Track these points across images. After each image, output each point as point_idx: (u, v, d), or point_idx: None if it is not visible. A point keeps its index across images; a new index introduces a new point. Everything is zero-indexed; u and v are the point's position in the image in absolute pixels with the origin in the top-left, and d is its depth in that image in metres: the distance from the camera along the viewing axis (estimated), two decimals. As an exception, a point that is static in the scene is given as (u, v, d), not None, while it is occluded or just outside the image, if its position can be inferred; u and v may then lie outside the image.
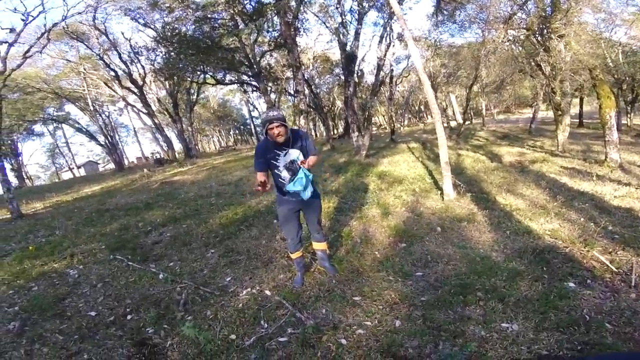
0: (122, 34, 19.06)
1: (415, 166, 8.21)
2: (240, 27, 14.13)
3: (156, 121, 21.46)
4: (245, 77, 18.63)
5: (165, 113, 22.42)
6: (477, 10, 11.08)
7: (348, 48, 11.99)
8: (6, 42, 9.62)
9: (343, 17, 12.63)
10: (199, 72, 18.12)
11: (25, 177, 30.15)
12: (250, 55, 15.34)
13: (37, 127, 28.54)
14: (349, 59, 11.81)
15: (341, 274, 3.09)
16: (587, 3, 7.54)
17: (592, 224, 3.74)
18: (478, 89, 17.44)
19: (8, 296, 3.39)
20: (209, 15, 14.44)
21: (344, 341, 2.23)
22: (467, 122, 19.23)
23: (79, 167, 35.98)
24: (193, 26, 14.86)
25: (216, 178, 9.65)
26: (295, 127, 2.92)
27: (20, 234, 6.05)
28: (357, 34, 11.67)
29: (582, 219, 3.93)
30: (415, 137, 16.67)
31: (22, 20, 9.96)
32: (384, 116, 33.87)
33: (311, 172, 2.72)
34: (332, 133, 23.50)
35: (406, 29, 5.52)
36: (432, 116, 7.30)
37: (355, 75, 12.90)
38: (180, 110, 22.04)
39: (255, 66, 15.43)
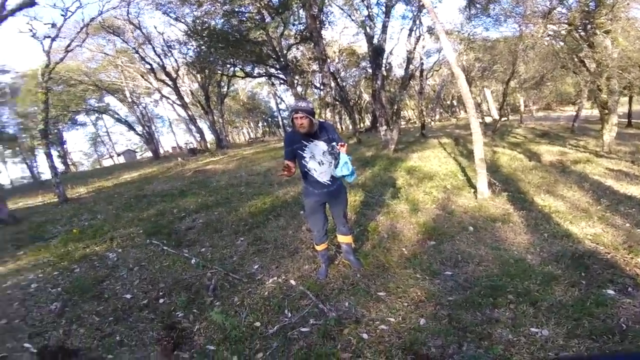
0: (155, 27, 20.00)
1: (447, 162, 7.96)
2: (266, 21, 14.30)
3: (189, 113, 22.26)
4: (272, 70, 18.85)
5: (198, 105, 23.21)
6: (513, 4, 10.48)
7: (375, 41, 11.74)
8: (49, 37, 10.30)
9: (369, 9, 12.39)
10: (228, 65, 18.58)
11: (69, 163, 32.43)
12: (277, 49, 15.47)
13: (80, 117, 30.52)
14: (377, 52, 11.59)
15: (366, 269, 3.08)
16: (634, -2, 6.94)
17: (638, 230, 3.48)
18: (515, 85, 16.52)
19: (52, 277, 3.62)
20: (236, 9, 14.71)
21: (365, 335, 2.23)
22: (503, 119, 18.31)
23: (118, 155, 38.16)
24: (222, 20, 15.22)
25: (246, 168, 9.88)
26: (321, 120, 2.90)
27: (66, 217, 6.51)
28: (384, 27, 11.43)
29: (627, 225, 3.68)
30: (447, 132, 16.11)
31: (62, 15, 10.63)
32: (413, 110, 33.04)
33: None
34: (358, 126, 23.25)
35: (437, 22, 5.33)
36: (465, 111, 7.03)
37: (383, 68, 12.66)
38: (212, 103, 22.71)
39: (282, 59, 15.55)
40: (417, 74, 16.40)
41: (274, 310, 2.59)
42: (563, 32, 8.91)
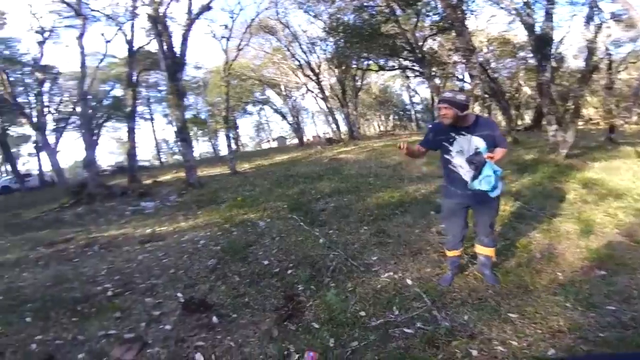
0: (299, 26, 22.38)
1: (646, 178, 5.89)
2: (397, 13, 13.82)
3: (328, 105, 24.20)
4: (407, 63, 18.24)
5: (336, 98, 24.87)
6: None
7: (537, 29, 9.75)
8: (225, 37, 13.05)
9: None
10: (363, 59, 19.02)
11: (239, 144, 40.66)
12: (411, 41, 14.80)
13: (249, 107, 37.70)
14: (541, 41, 9.62)
15: (502, 286, 2.68)
16: None
17: None
18: None
19: (216, 236, 4.45)
20: (364, 4, 14.82)
21: (475, 352, 1.99)
22: None
23: (273, 140, 45.76)
24: (353, 15, 15.59)
25: (375, 160, 10.04)
26: (474, 114, 2.60)
27: (234, 187, 8.21)
28: (547, 14, 9.40)
29: None
30: (649, 138, 11.88)
31: (230, 17, 13.33)
32: (597, 109, 25.74)
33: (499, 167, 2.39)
34: (515, 124, 19.91)
35: (631, 8, 3.94)
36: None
37: (551, 59, 10.41)
38: (347, 96, 23.93)
39: (417, 51, 14.82)
40: (603, 66, 12.76)
41: (382, 304, 2.55)
42: None
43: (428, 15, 14.20)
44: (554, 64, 10.98)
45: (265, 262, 3.49)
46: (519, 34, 17.46)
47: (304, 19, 29.81)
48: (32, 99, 20.35)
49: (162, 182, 11.74)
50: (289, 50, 23.31)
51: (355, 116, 26.73)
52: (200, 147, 42.49)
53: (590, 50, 9.56)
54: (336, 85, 24.49)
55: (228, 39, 13.34)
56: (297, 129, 29.67)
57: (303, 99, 36.21)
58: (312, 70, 22.84)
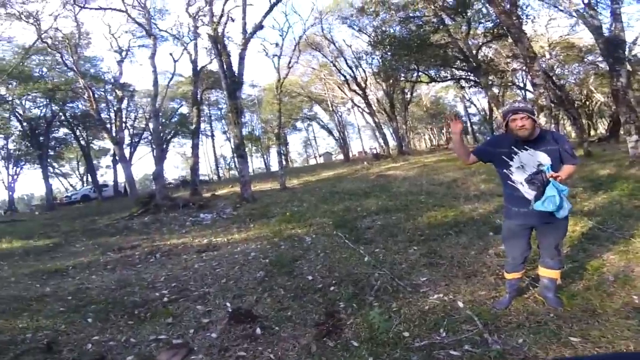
0: (344, 41, 22.77)
1: None
2: (446, 22, 13.37)
3: (375, 119, 24.05)
4: (461, 72, 17.52)
5: (383, 112, 24.66)
6: None
7: (605, 31, 8.81)
8: (276, 55, 13.77)
9: None
10: (412, 72, 18.66)
11: (288, 160, 42.17)
12: (464, 49, 14.23)
13: (298, 124, 39.26)
14: (612, 44, 8.69)
15: (566, 310, 2.42)
16: None
17: None
18: None
19: (265, 249, 4.61)
20: (410, 14, 14.52)
21: None
22: None
23: (320, 156, 46.66)
24: (399, 27, 15.43)
25: (427, 176, 9.70)
26: (539, 127, 2.42)
27: (283, 202, 8.49)
28: (615, 15, 8.50)
29: None
30: None
31: (280, 36, 14.12)
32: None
33: (566, 186, 2.18)
34: (587, 135, 17.85)
35: None
36: None
37: (626, 62, 9.31)
38: (396, 110, 23.61)
39: (471, 60, 14.16)
40: None
41: (428, 326, 2.44)
42: None
43: (480, 23, 13.67)
44: (629, 67, 9.76)
45: (310, 278, 3.54)
46: (584, 37, 16.20)
47: (349, 33, 30.51)
48: (112, 114, 22.82)
49: (219, 195, 12.53)
50: (334, 65, 23.97)
51: (405, 130, 26.20)
52: (254, 163, 45.00)
53: None
54: (383, 98, 24.40)
55: (279, 57, 14.15)
56: (343, 145, 30.01)
57: (349, 114, 36.67)
58: (358, 84, 23.11)
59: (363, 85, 23.18)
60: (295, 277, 3.59)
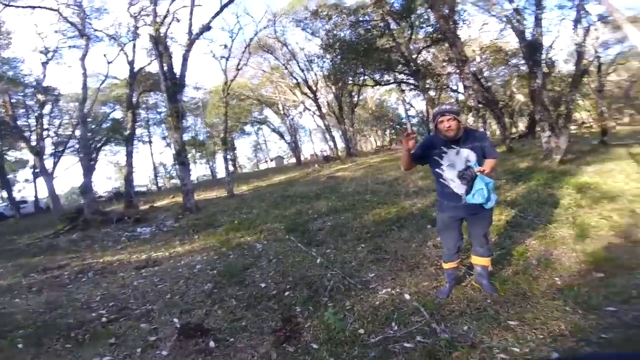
0: (297, 44, 22.96)
1: (639, 179, 5.91)
2: (391, 27, 14.18)
3: (325, 122, 24.48)
4: (402, 76, 18.61)
5: (333, 115, 25.16)
6: None
7: (528, 36, 9.99)
8: (224, 57, 13.31)
9: (513, 2, 10.62)
10: (359, 75, 19.42)
11: (237, 165, 40.79)
12: (406, 54, 15.19)
13: (247, 128, 38.03)
14: (532, 47, 9.82)
15: (501, 295, 2.67)
16: None
17: None
18: None
19: (213, 260, 4.45)
20: (360, 18, 15.22)
21: None
22: None
23: (271, 160, 45.88)
24: (349, 31, 16.04)
25: (372, 176, 10.07)
26: (463, 126, 2.63)
27: (231, 210, 8.20)
28: (537, 20, 9.66)
29: None
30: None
31: (230, 37, 13.64)
32: (589, 112, 26.05)
33: (491, 179, 2.40)
34: (509, 132, 20.03)
35: (614, 10, 4.09)
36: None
37: (542, 65, 10.59)
38: (344, 112, 24.20)
39: (412, 64, 15.14)
40: (593, 69, 12.97)
41: (380, 321, 2.54)
42: None
43: (422, 27, 14.60)
44: (545, 69, 11.10)
45: (262, 285, 3.48)
46: (511, 41, 17.70)
47: (302, 36, 30.56)
48: (32, 121, 20.15)
49: (159, 207, 11.79)
50: (286, 68, 23.73)
51: (352, 132, 26.95)
52: (198, 170, 42.70)
53: (580, 54, 9.72)
54: (333, 102, 24.84)
55: (227, 59, 13.59)
56: (295, 148, 29.90)
57: (301, 117, 36.71)
58: (310, 87, 23.20)
59: (314, 88, 23.37)
60: (247, 286, 3.51)
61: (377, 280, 3.26)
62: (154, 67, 12.64)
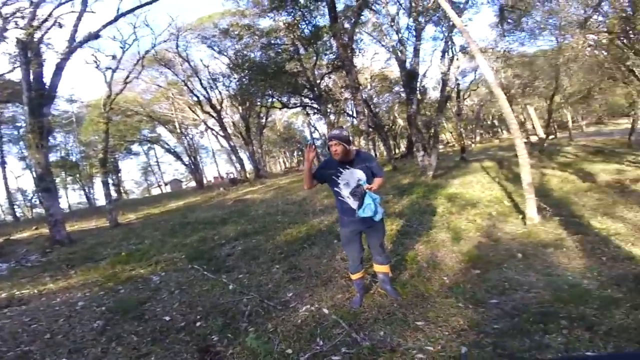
0: (201, 60, 21.77)
1: (491, 187, 7.56)
2: (300, 52, 15.03)
3: (231, 143, 23.58)
4: (307, 100, 19.57)
5: (239, 136, 24.51)
6: (546, 17, 10.12)
7: (408, 65, 11.69)
8: (110, 69, 11.63)
9: (399, 34, 12.46)
10: (267, 97, 19.65)
11: (122, 191, 35.25)
12: (311, 79, 16.09)
13: (135, 147, 33.35)
14: (410, 76, 11.51)
15: (404, 298, 2.98)
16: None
17: None
18: (561, 100, 15.60)
19: (98, 297, 3.87)
20: (272, 41, 15.72)
21: None
22: (550, 137, 17.24)
23: (166, 184, 41.01)
24: (260, 52, 16.33)
25: (282, 197, 10.15)
26: (355, 148, 2.96)
27: (116, 241, 7.06)
28: (416, 51, 11.32)
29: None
30: (489, 154, 15.45)
31: (121, 48, 11.97)
32: (451, 133, 32.17)
33: (378, 195, 2.73)
34: (393, 153, 22.99)
35: (471, 41, 5.29)
36: (507, 131, 6.70)
37: (417, 92, 12.56)
38: (252, 133, 23.87)
39: (315, 89, 16.13)
40: (454, 95, 16.08)
41: (305, 338, 2.57)
42: (604, 41, 8.41)
43: (325, 54, 15.54)
44: (419, 96, 13.07)
45: (167, 318, 3.17)
46: (395, 70, 19.83)
47: (207, 53, 28.93)
48: None
49: (18, 240, 9.50)
50: (186, 85, 22.19)
51: (261, 154, 26.76)
52: (71, 196, 35.39)
53: (444, 82, 11.89)
54: (240, 122, 24.23)
55: (114, 70, 11.82)
56: (195, 170, 27.63)
57: (202, 136, 34.58)
58: (213, 106, 22.10)
59: (218, 107, 22.36)
60: (148, 321, 3.14)
61: (296, 298, 3.28)
62: (17, 75, 10.13)
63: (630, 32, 7.18)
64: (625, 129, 17.06)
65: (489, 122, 37.03)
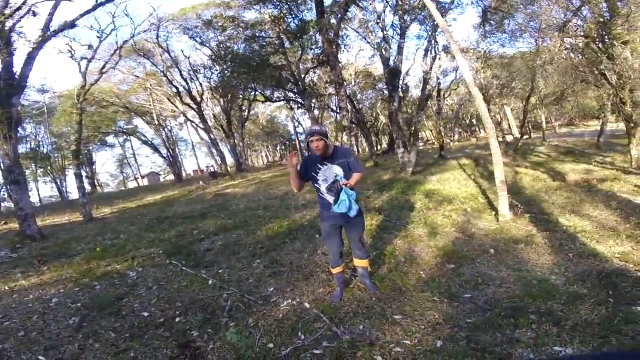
0: (182, 51, 21.09)
1: (466, 184, 7.81)
2: (285, 45, 14.85)
3: (212, 136, 23.05)
4: (291, 94, 19.40)
5: (220, 128, 24.00)
6: (527, 19, 10.50)
7: (391, 63, 11.79)
8: (86, 58, 11.08)
9: (384, 32, 12.51)
10: (250, 90, 19.32)
11: (96, 184, 33.90)
12: (295, 73, 15.96)
13: (110, 139, 32.14)
14: (393, 73, 11.64)
15: (382, 292, 3.05)
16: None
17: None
18: (536, 101, 16.24)
19: (73, 293, 3.76)
20: (257, 34, 15.46)
21: (379, 358, 2.20)
22: (525, 137, 17.95)
23: (142, 177, 39.63)
24: (244, 45, 16.02)
25: (264, 192, 10.07)
26: (338, 144, 2.99)
27: (90, 236, 6.81)
28: (399, 48, 11.46)
29: (659, 242, 3.49)
30: (466, 152, 15.89)
31: (98, 37, 11.40)
32: (431, 131, 32.86)
33: (354, 190, 2.77)
34: (375, 149, 23.23)
35: (452, 41, 5.40)
36: (484, 130, 6.94)
37: (399, 89, 12.72)
38: (233, 126, 23.44)
39: (300, 83, 16.02)
40: (434, 93, 16.38)
41: (287, 333, 2.59)
42: (580, 44, 8.79)
43: (311, 49, 15.39)
44: (401, 93, 13.26)
45: (145, 314, 3.12)
46: (379, 67, 19.90)
47: (189, 44, 27.92)
48: None
49: None
50: (166, 76, 21.50)
51: (242, 147, 26.35)
52: (42, 190, 33.74)
53: (426, 80, 12.12)
54: (221, 115, 23.72)
55: (90, 60, 11.22)
56: (174, 163, 26.79)
57: (181, 128, 33.65)
58: (193, 98, 21.54)
59: (198, 99, 21.76)
60: (126, 317, 3.09)
61: (277, 293, 3.29)
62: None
63: (606, 36, 7.49)
64: (594, 130, 17.97)
65: (467, 121, 38.05)
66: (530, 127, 26.03)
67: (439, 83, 16.66)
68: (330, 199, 2.80)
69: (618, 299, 2.53)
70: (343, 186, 2.69)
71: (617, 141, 13.92)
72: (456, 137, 34.34)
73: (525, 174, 8.60)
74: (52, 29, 8.45)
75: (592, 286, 2.78)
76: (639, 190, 5.85)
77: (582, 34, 8.25)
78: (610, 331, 2.14)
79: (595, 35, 7.72)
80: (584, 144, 15.07)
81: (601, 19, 7.48)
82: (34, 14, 8.29)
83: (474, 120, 36.87)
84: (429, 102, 17.05)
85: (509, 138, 21.53)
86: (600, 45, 7.88)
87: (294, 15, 14.35)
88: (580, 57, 9.27)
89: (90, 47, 11.59)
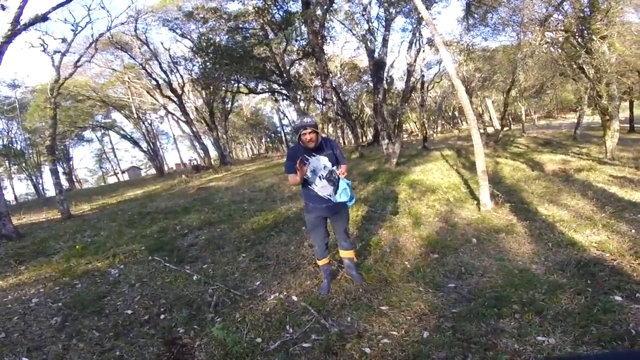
0: (162, 44, 20.35)
1: (449, 175, 7.95)
2: (270, 37, 14.58)
3: (194, 129, 22.48)
4: (276, 86, 19.10)
5: (203, 121, 23.47)
6: (510, 13, 10.70)
7: (376, 55, 11.79)
8: (59, 52, 10.52)
9: (370, 24, 12.43)
10: (233, 82, 18.89)
11: (74, 180, 32.73)
12: (280, 64, 15.71)
13: (87, 134, 31.09)
14: (378, 65, 11.65)
15: (368, 283, 3.06)
16: (628, 2, 7.05)
17: (645, 236, 3.44)
18: (516, 94, 16.61)
19: (53, 292, 3.65)
20: (240, 25, 15.09)
21: (368, 350, 2.21)
22: (505, 128, 18.37)
23: (123, 172, 38.34)
24: (226, 36, 15.60)
25: (249, 184, 9.94)
26: (324, 135, 2.97)
27: (69, 234, 6.57)
28: (385, 41, 11.48)
29: (633, 231, 3.64)
30: (449, 144, 16.16)
31: (72, 30, 10.82)
32: (415, 123, 33.23)
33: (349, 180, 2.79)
34: (360, 141, 23.31)
35: (436, 34, 5.42)
36: (467, 122, 7.05)
37: (384, 82, 12.72)
38: (216, 119, 22.93)
39: (285, 75, 15.79)
40: (418, 86, 16.51)
41: (275, 326, 2.57)
42: (560, 39, 9.01)
43: (296, 40, 15.09)
44: (386, 86, 13.31)
45: (129, 312, 3.06)
46: (364, 59, 19.72)
47: (169, 36, 26.99)
48: None
49: None
50: (144, 68, 20.74)
51: (226, 140, 25.88)
52: (17, 187, 32.30)
53: (410, 72, 12.20)
54: (203, 107, 23.16)
55: (64, 54, 10.64)
56: (155, 157, 26.10)
57: (162, 122, 32.73)
58: (174, 90, 20.88)
59: (179, 91, 21.10)
60: (109, 315, 3.03)
61: (264, 287, 3.27)
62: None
63: (585, 31, 7.69)
64: (572, 122, 18.62)
65: (450, 113, 38.64)
66: (510, 119, 26.65)
67: (423, 76, 16.81)
68: (320, 191, 2.78)
69: (596, 288, 2.59)
70: (341, 176, 2.70)
71: (593, 133, 14.48)
72: (439, 128, 34.85)
73: (505, 164, 8.83)
74: (22, 22, 7.98)
75: (572, 275, 2.85)
76: (613, 180, 6.09)
77: (562, 28, 8.45)
78: (590, 321, 2.20)
79: (575, 30, 7.93)
80: (561, 136, 15.60)
81: (581, 14, 7.67)
82: (3, 8, 7.81)
83: (456, 113, 37.47)
84: (413, 95, 17.18)
85: (490, 130, 22.02)
86: (579, 39, 8.10)
87: (278, 7, 14.05)
88: (560, 51, 9.52)
89: (64, 40, 11.00)
